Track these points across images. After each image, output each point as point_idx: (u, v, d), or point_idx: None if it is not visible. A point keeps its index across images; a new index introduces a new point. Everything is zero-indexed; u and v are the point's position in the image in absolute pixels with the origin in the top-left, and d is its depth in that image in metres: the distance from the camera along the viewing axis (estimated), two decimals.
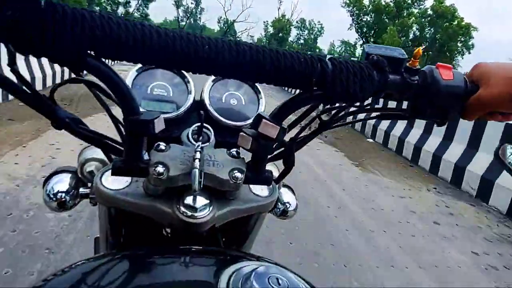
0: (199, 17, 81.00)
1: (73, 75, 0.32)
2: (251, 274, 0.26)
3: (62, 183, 0.45)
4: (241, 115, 0.53)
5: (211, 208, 0.35)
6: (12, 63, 0.27)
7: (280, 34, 46.83)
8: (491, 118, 0.42)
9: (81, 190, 0.46)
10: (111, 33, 0.27)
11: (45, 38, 0.26)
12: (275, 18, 49.69)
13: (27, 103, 0.31)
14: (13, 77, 0.29)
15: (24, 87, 0.30)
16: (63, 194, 0.44)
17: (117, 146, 0.37)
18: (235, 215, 0.39)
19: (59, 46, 0.26)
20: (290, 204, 0.53)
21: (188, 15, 49.53)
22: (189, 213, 0.34)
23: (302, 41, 50.78)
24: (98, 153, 0.46)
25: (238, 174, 0.35)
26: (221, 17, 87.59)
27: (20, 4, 0.25)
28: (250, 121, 0.52)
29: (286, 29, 48.04)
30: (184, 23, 50.02)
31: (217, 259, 0.35)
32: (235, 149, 0.39)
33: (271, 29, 59.98)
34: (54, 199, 0.44)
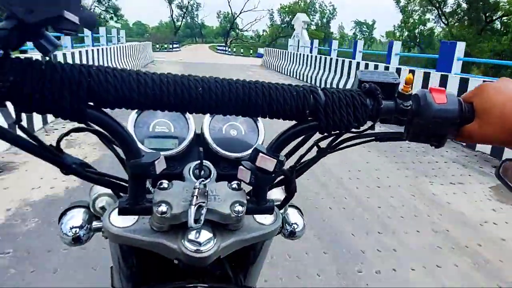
0: (196, 14, 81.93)
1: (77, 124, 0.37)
2: None
3: (75, 218, 0.50)
4: (242, 145, 0.58)
5: (215, 241, 0.39)
6: (18, 121, 0.32)
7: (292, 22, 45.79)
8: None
9: (94, 224, 0.51)
10: (107, 85, 0.32)
11: (46, 97, 0.31)
12: (289, 3, 47.57)
13: (35, 154, 0.36)
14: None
15: (31, 140, 0.35)
16: (77, 230, 0.49)
17: (123, 184, 0.42)
18: (239, 245, 0.42)
19: (60, 103, 0.31)
20: (297, 225, 0.57)
21: (184, 12, 48.53)
22: (194, 248, 0.38)
23: (314, 27, 49.37)
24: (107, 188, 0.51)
25: (239, 208, 0.39)
26: (220, 12, 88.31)
27: (22, 69, 0.30)
28: (250, 150, 0.56)
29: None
30: (180, 22, 49.22)
31: None
32: (236, 182, 0.43)
33: (277, 18, 59.58)
34: (69, 234, 0.49)
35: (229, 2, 40.89)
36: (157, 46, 29.17)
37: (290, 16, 45.92)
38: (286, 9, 48.60)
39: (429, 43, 34.36)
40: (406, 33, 36.49)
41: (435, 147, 0.44)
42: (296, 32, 16.81)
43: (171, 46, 33.23)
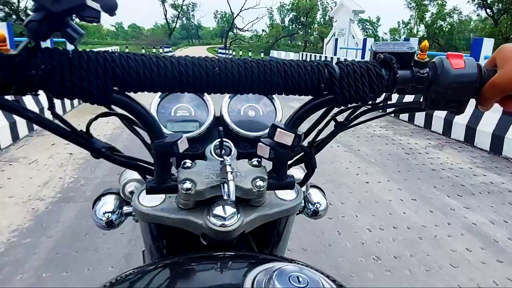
0: (193, 15, 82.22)
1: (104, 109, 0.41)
2: (273, 274, 0.32)
3: (107, 204, 0.56)
4: (260, 125, 0.63)
5: (238, 216, 0.43)
6: (51, 107, 0.36)
7: (303, 19, 42.54)
8: (509, 106, 0.44)
9: (125, 208, 0.57)
10: (129, 70, 0.35)
11: (75, 83, 0.34)
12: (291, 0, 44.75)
13: (67, 139, 0.40)
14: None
15: (64, 126, 0.39)
16: (110, 214, 0.55)
17: (149, 167, 0.46)
18: (262, 220, 0.46)
19: (88, 88, 0.34)
20: (320, 204, 0.61)
21: (179, 13, 47.36)
22: (219, 223, 0.42)
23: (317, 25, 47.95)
24: (136, 174, 0.56)
25: (260, 183, 0.43)
26: (217, 11, 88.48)
27: (52, 57, 0.34)
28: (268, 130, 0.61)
29: (311, 13, 41.69)
30: (175, 23, 47.82)
31: (246, 262, 0.42)
32: (256, 159, 0.46)
33: (277, 17, 59.16)
34: (103, 219, 0.55)
35: (228, 0, 38.66)
36: (143, 51, 24.22)
37: (293, 14, 44.49)
38: (289, 6, 46.77)
39: (449, 40, 33.33)
40: (417, 29, 35.54)
41: (455, 114, 0.46)
42: (339, 28, 12.96)
43: (160, 51, 27.29)
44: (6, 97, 0.35)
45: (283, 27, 48.87)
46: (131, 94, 0.39)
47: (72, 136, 0.40)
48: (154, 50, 24.65)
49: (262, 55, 24.47)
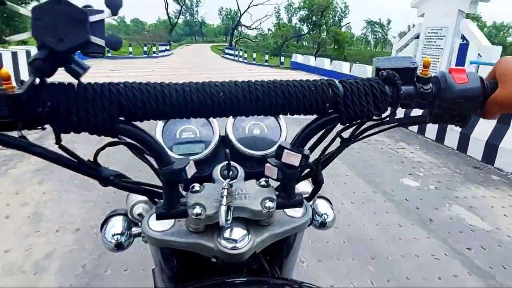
0: (196, 11, 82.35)
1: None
2: None
3: (116, 226, 0.58)
4: (265, 142, 0.65)
5: (249, 237, 0.44)
6: (58, 141, 0.38)
7: (314, 18, 40.48)
8: None
9: (134, 230, 0.58)
10: (135, 100, 0.37)
11: (81, 116, 0.36)
12: None
13: (75, 170, 0.42)
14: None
15: (71, 158, 0.41)
16: (119, 236, 0.57)
17: (158, 190, 0.47)
18: (273, 239, 0.47)
19: (94, 121, 0.36)
20: (327, 215, 0.63)
21: (181, 7, 44.03)
22: (230, 246, 0.43)
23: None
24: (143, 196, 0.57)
25: (269, 204, 0.44)
26: (222, 8, 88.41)
27: (58, 93, 0.36)
28: (275, 147, 0.62)
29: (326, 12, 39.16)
30: (177, 19, 43.75)
31: None
32: (264, 179, 0.48)
33: (284, 15, 58.66)
34: (112, 241, 0.57)
35: None
36: (145, 48, 21.25)
37: (304, 12, 42.05)
38: (300, 4, 44.53)
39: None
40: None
41: (459, 127, 0.47)
42: (431, 26, 7.51)
43: (154, 50, 21.87)
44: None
45: (292, 27, 46.76)
46: (137, 123, 0.40)
47: (80, 167, 0.42)
48: (145, 48, 21.35)
49: (266, 56, 19.84)
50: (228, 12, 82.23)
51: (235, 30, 41.87)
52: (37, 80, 0.35)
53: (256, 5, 38.60)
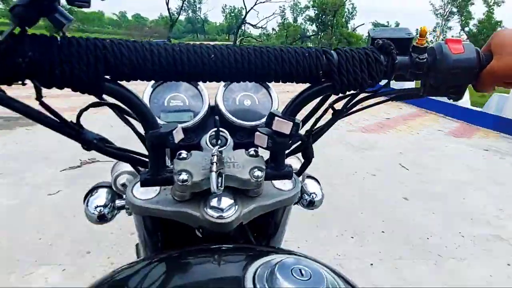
0: (199, 7, 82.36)
1: (95, 99, 0.41)
2: (275, 267, 0.33)
3: (99, 198, 0.58)
4: (256, 114, 0.65)
5: (236, 207, 0.44)
6: (39, 97, 0.36)
7: (327, 18, 38.68)
8: (508, 87, 0.47)
9: (117, 202, 0.59)
10: (122, 57, 0.36)
11: (64, 71, 0.34)
12: None
13: (57, 130, 0.40)
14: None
15: (53, 117, 0.39)
16: (102, 208, 0.57)
17: (143, 158, 0.47)
18: (260, 211, 0.47)
19: (78, 76, 0.35)
20: (316, 195, 0.65)
21: (182, 2, 43.02)
22: (216, 214, 0.43)
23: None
24: (128, 166, 0.57)
25: (258, 173, 0.44)
26: (226, 6, 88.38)
27: (40, 44, 0.34)
28: (265, 119, 0.62)
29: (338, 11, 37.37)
30: (178, 15, 41.14)
31: (245, 255, 0.43)
32: (253, 149, 0.48)
33: (289, 16, 58.22)
34: (95, 213, 0.57)
35: None
36: None
37: (314, 11, 40.66)
38: (310, 3, 43.23)
39: None
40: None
41: (453, 100, 0.48)
42: None
43: None
44: None
45: (299, 27, 45.44)
46: (124, 83, 0.39)
47: (62, 127, 0.41)
48: None
49: None
50: (232, 10, 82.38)
51: (240, 29, 39.61)
52: (18, 30, 0.33)
53: (263, 2, 35.55)
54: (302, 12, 51.17)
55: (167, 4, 34.10)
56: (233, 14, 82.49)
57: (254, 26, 42.19)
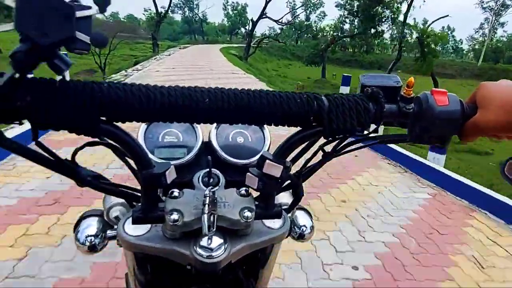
0: (197, 4, 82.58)
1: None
2: None
3: (90, 227, 0.64)
4: (248, 151, 0.73)
5: (226, 246, 0.50)
6: (35, 137, 0.42)
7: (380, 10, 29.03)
8: (492, 138, 0.54)
9: (108, 232, 0.65)
10: (118, 100, 0.42)
11: (61, 114, 0.39)
12: None
13: (52, 168, 0.46)
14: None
15: (48, 155, 0.45)
16: (92, 238, 0.63)
17: (136, 193, 0.53)
18: (249, 249, 0.53)
19: (74, 119, 0.40)
20: (306, 227, 0.72)
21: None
22: (206, 254, 0.49)
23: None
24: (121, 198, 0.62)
25: (248, 214, 0.50)
26: (227, 2, 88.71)
27: (38, 88, 0.39)
28: (257, 156, 0.68)
29: None
30: (167, 11, 35.07)
31: None
32: (244, 188, 0.54)
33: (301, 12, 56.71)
34: (85, 243, 0.63)
35: None
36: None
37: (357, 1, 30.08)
38: None
39: None
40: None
41: (438, 148, 0.56)
42: None
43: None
44: None
45: (335, 26, 39.12)
46: (119, 124, 0.45)
47: (57, 166, 0.46)
48: None
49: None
50: (235, 7, 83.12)
51: (255, 26, 32.02)
52: (17, 75, 0.38)
53: None
54: (316, 8, 49.90)
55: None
56: (235, 12, 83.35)
57: (277, 21, 35.51)
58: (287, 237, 0.66)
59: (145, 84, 0.45)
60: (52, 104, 0.40)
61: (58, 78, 0.41)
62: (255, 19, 31.10)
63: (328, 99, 0.50)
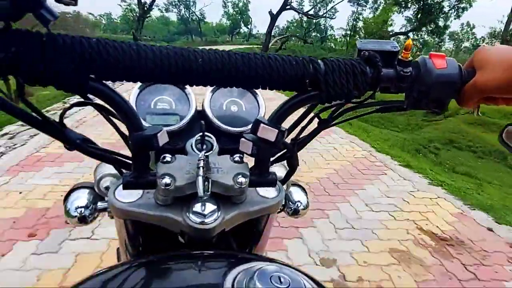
0: (194, 1, 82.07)
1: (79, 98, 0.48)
2: (254, 274, 0.40)
3: (80, 199, 0.67)
4: (242, 120, 0.76)
5: (219, 213, 0.53)
6: (21, 94, 0.43)
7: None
8: (490, 103, 0.58)
9: (99, 204, 0.68)
10: (108, 57, 0.43)
11: (48, 68, 0.40)
12: None
13: (39, 129, 0.47)
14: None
15: (35, 115, 0.46)
16: (82, 210, 0.67)
17: (127, 161, 0.55)
18: (243, 218, 0.56)
19: (62, 74, 0.41)
20: (301, 203, 0.76)
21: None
22: (198, 220, 0.51)
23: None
24: (112, 168, 0.66)
25: (242, 179, 0.53)
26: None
27: (24, 40, 0.40)
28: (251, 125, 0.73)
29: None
30: (151, 5, 31.13)
31: (226, 261, 0.51)
32: (238, 155, 0.57)
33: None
34: (74, 214, 0.66)
35: None
36: None
37: None
38: None
39: None
40: None
41: (436, 114, 0.59)
42: None
43: None
44: None
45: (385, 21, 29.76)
46: (109, 83, 0.47)
47: (44, 126, 0.48)
48: None
49: None
50: (236, 4, 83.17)
51: (275, 20, 27.56)
52: (1, 24, 0.39)
53: None
54: (326, 4, 47.19)
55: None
56: (237, 9, 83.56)
57: (309, 15, 30.42)
58: (281, 211, 0.70)
59: (135, 41, 0.47)
60: (39, 57, 0.40)
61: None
62: (274, 12, 26.93)
63: (324, 62, 0.52)
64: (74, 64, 0.42)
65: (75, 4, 0.41)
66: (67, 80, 0.42)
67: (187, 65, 0.47)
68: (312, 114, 0.59)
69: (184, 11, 79.42)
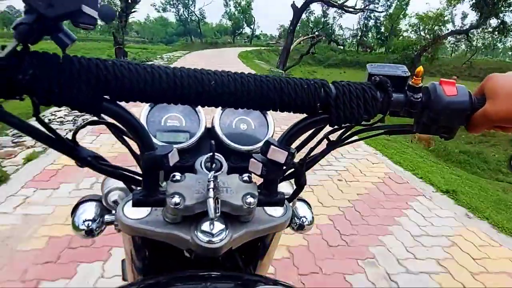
0: (192, 1, 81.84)
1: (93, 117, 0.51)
2: None
3: (88, 212, 0.71)
4: (251, 139, 0.79)
5: (227, 232, 0.56)
6: (37, 113, 0.46)
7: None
8: (500, 130, 0.60)
9: (106, 217, 0.71)
10: (123, 79, 0.45)
11: (64, 90, 0.43)
12: None
13: (52, 146, 0.51)
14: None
15: (48, 133, 0.50)
16: (90, 223, 0.70)
17: (137, 177, 0.59)
18: (250, 236, 0.59)
19: (77, 96, 0.44)
20: (306, 218, 0.80)
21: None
22: (206, 239, 0.54)
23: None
24: (119, 182, 0.68)
25: (250, 199, 0.56)
26: None
27: (41, 62, 0.43)
28: (260, 144, 0.76)
29: None
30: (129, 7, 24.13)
31: (233, 284, 0.54)
32: (247, 174, 0.60)
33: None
34: (82, 228, 0.69)
35: None
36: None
37: None
38: None
39: None
40: None
41: (445, 139, 0.61)
42: None
43: None
44: None
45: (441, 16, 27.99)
46: (122, 103, 0.50)
47: (57, 143, 0.51)
48: None
49: None
50: (238, 3, 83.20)
51: (299, 17, 24.07)
52: (20, 47, 0.42)
53: None
54: None
55: None
56: (239, 8, 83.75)
57: (346, 6, 25.97)
58: (287, 227, 0.72)
59: (150, 63, 0.50)
60: (55, 79, 0.43)
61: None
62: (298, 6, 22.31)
63: (335, 86, 0.55)
64: (89, 86, 0.45)
65: (93, 28, 0.44)
66: (82, 102, 0.45)
67: (200, 87, 0.50)
68: (321, 135, 0.63)
69: (183, 11, 79.48)
